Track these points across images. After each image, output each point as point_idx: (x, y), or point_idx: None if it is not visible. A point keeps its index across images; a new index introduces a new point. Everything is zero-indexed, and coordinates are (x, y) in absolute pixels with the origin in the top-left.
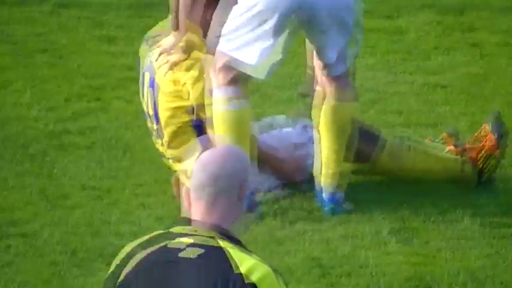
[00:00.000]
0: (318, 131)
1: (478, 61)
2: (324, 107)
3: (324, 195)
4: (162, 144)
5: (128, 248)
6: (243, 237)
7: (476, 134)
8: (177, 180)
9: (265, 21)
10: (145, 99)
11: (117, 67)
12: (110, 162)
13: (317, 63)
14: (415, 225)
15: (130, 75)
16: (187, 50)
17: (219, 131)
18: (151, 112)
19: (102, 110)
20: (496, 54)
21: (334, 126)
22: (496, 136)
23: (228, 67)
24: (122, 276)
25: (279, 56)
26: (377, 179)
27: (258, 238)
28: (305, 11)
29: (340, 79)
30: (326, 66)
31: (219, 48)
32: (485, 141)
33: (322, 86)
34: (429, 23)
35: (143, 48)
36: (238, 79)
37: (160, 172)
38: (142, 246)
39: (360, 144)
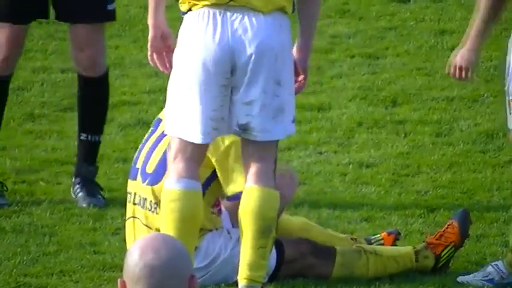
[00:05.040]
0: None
1: (402, 139)
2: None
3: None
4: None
5: None
6: None
7: (442, 230)
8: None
9: None
10: (142, 155)
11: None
12: (36, 247)
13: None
14: None
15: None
16: None
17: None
18: (149, 170)
19: (27, 192)
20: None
21: (252, 212)
22: (458, 225)
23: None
24: None
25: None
26: None
27: None
28: None
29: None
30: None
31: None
32: (448, 229)
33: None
34: (353, 99)
35: None
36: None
37: (86, 258)
38: None
39: (317, 264)
